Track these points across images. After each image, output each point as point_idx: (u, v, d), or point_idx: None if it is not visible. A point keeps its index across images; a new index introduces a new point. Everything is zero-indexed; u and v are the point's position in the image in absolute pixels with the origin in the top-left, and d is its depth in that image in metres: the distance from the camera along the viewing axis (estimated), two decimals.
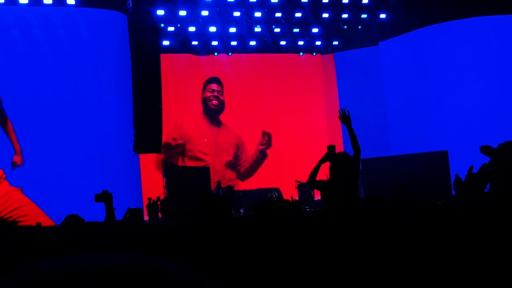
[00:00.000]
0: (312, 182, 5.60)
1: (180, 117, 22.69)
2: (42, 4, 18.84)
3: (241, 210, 18.68)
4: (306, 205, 17.95)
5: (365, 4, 21.98)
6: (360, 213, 2.56)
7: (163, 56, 18.05)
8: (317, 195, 20.27)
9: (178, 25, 21.59)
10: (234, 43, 22.97)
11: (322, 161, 5.57)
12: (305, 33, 23.09)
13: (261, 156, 23.95)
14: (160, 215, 18.44)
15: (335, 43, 24.03)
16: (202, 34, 22.11)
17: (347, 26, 22.92)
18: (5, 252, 3.75)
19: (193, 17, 21.24)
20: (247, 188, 22.06)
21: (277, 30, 22.58)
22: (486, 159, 4.43)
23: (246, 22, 21.95)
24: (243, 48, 23.22)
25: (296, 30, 22.71)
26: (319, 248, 2.10)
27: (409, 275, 1.96)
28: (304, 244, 2.09)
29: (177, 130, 22.66)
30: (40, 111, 18.66)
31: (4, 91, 18.53)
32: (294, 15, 21.98)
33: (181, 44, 22.38)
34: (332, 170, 5.46)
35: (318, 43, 23.87)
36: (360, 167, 5.68)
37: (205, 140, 23.27)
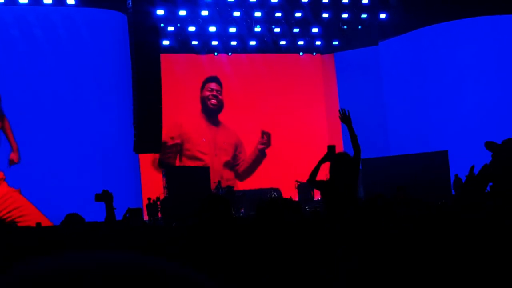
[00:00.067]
0: (312, 182, 5.60)
1: (179, 116, 22.67)
2: (42, 4, 18.84)
3: (241, 210, 18.69)
4: (306, 205, 17.94)
5: (365, 4, 21.98)
6: (360, 213, 2.56)
7: (163, 56, 18.05)
8: (317, 195, 20.27)
9: (178, 25, 21.59)
10: (234, 43, 22.97)
11: (322, 161, 5.57)
12: (305, 33, 23.09)
13: (260, 156, 23.91)
14: (159, 215, 18.44)
15: (335, 43, 24.03)
16: (202, 34, 22.11)
17: (347, 26, 22.92)
18: (5, 252, 3.75)
19: (193, 17, 21.24)
20: (246, 188, 22.05)
21: (277, 30, 22.58)
22: (486, 159, 4.43)
23: (246, 22, 21.95)
24: (243, 48, 23.22)
25: (296, 30, 22.71)
26: (319, 248, 2.10)
27: (409, 275, 1.96)
28: (304, 244, 2.08)
29: (175, 129, 22.59)
30: (40, 111, 18.67)
31: (4, 91, 18.54)
32: (294, 15, 21.98)
33: (181, 44, 22.37)
34: (332, 170, 5.46)
35: (318, 43, 23.87)
36: (360, 167, 5.67)
37: (204, 139, 23.20)
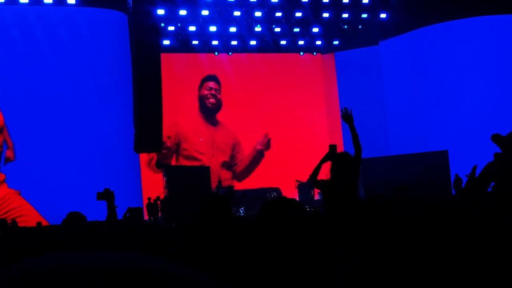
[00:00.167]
0: (313, 181, 5.60)
1: (179, 116, 22.62)
2: (43, 3, 18.84)
3: (241, 210, 18.67)
4: (306, 205, 17.94)
5: (365, 4, 21.98)
6: (360, 213, 2.56)
7: (163, 56, 18.04)
8: (317, 195, 20.26)
9: (179, 24, 21.59)
10: (234, 42, 22.97)
11: (323, 160, 5.57)
12: (306, 33, 23.09)
13: (258, 157, 23.79)
14: (160, 214, 18.43)
15: (336, 42, 24.03)
16: (202, 34, 22.10)
17: (347, 26, 22.92)
18: (5, 252, 3.75)
19: (193, 17, 21.24)
20: (246, 187, 22.02)
21: (277, 29, 22.58)
22: (486, 159, 4.43)
23: (247, 21, 21.95)
24: (244, 47, 23.21)
25: (296, 29, 22.71)
26: (319, 248, 2.10)
27: (409, 275, 1.96)
28: (304, 244, 2.09)
29: (172, 128, 22.44)
30: (40, 110, 18.67)
31: (4, 91, 18.54)
32: (295, 14, 21.98)
33: (182, 43, 22.37)
34: (333, 169, 5.46)
35: (318, 42, 23.87)
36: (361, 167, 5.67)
37: (201, 139, 23.07)
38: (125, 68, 17.87)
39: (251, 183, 22.83)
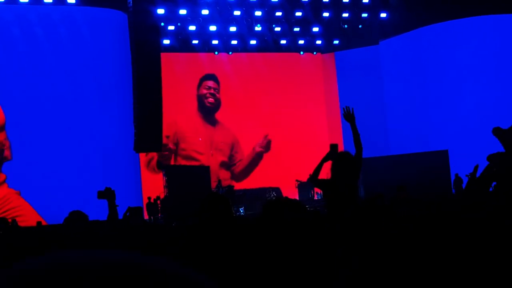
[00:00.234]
0: (315, 180, 5.60)
1: (178, 116, 22.56)
2: (43, 3, 18.85)
3: (241, 209, 18.68)
4: (306, 204, 17.91)
5: (365, 3, 21.98)
6: (360, 213, 2.56)
7: (163, 55, 18.03)
8: (317, 195, 20.26)
9: (179, 24, 21.58)
10: (234, 42, 22.96)
11: (324, 159, 5.56)
12: (306, 32, 23.09)
13: (257, 158, 23.70)
14: (160, 214, 18.43)
15: (336, 42, 24.03)
16: (203, 33, 22.10)
17: (347, 25, 22.92)
18: (6, 252, 3.75)
19: (193, 16, 21.23)
20: (247, 187, 21.99)
21: (277, 29, 22.57)
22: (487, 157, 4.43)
23: (247, 21, 21.95)
24: (244, 47, 23.21)
25: (296, 29, 22.71)
26: (319, 248, 2.10)
27: (409, 275, 1.96)
28: (304, 244, 2.09)
29: (171, 128, 22.32)
30: (41, 110, 18.67)
31: (5, 90, 18.53)
32: (295, 14, 21.97)
33: (182, 43, 22.37)
34: (333, 169, 5.45)
35: (318, 42, 23.86)
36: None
37: (200, 139, 22.95)
38: (125, 68, 17.86)
39: (251, 182, 22.80)
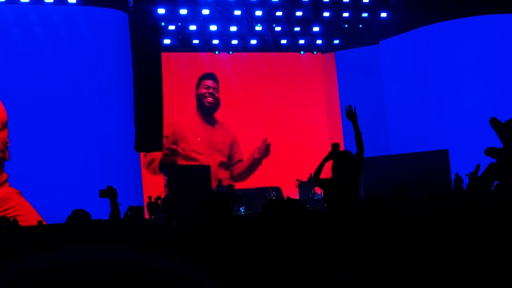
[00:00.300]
0: (316, 180, 5.59)
1: (177, 115, 22.50)
2: (43, 2, 18.84)
3: (242, 209, 18.68)
4: (306, 204, 17.90)
5: (365, 3, 21.97)
6: (360, 213, 2.56)
7: (163, 55, 18.03)
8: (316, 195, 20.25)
9: (179, 23, 21.57)
10: (235, 42, 22.95)
11: (326, 159, 5.56)
12: (306, 32, 23.07)
13: (256, 163, 23.59)
14: (160, 213, 18.41)
15: (336, 42, 24.01)
16: (203, 33, 22.08)
17: (348, 25, 22.90)
18: (6, 251, 3.76)
19: (193, 16, 21.23)
20: (247, 186, 21.96)
21: (277, 29, 22.56)
22: (487, 158, 4.43)
23: (247, 21, 21.94)
24: (244, 47, 23.19)
25: (297, 29, 22.69)
26: (319, 248, 2.10)
27: (409, 275, 1.96)
28: (304, 243, 2.09)
29: (170, 128, 22.21)
30: (41, 109, 18.67)
31: (5, 90, 18.54)
32: (295, 14, 21.96)
33: (182, 42, 22.35)
34: (334, 168, 5.44)
35: (319, 42, 23.85)
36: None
37: (199, 139, 22.84)
38: (126, 67, 17.87)
39: (251, 182, 22.78)
